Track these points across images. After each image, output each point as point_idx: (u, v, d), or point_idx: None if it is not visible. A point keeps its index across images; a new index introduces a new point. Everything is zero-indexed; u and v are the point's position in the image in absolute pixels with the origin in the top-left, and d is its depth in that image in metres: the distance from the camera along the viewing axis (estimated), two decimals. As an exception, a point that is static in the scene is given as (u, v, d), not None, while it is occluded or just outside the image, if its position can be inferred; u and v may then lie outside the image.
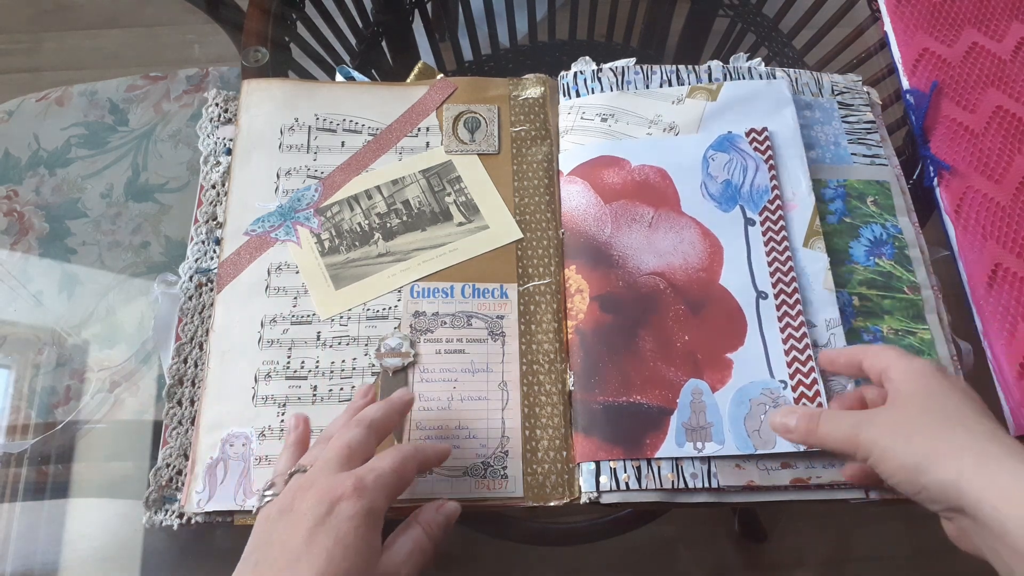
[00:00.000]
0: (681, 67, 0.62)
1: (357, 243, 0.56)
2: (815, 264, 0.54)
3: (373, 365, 0.52)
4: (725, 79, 0.61)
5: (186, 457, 0.49)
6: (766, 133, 0.57)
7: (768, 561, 0.98)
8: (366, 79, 0.64)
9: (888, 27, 0.69)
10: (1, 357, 0.68)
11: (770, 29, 0.90)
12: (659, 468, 0.48)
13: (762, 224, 0.55)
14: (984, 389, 0.54)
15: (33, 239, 0.73)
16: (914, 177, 0.63)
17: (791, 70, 0.63)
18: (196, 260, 0.56)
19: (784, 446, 0.47)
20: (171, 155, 0.77)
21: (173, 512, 0.48)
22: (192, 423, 0.50)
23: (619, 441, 0.48)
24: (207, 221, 0.57)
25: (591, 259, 0.54)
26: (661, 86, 0.61)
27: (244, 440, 0.49)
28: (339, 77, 0.64)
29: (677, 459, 0.48)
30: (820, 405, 0.48)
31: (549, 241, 0.56)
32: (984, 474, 0.36)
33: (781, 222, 0.54)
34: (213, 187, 0.58)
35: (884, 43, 0.70)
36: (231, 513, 0.48)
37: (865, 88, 0.63)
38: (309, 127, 0.60)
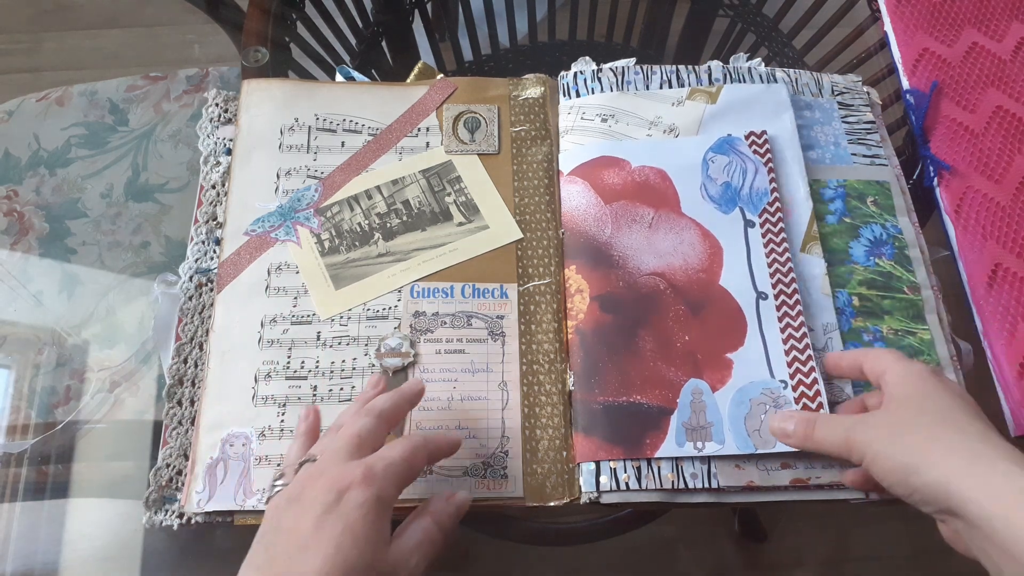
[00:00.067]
0: (681, 67, 0.62)
1: (357, 243, 0.56)
2: (812, 269, 0.54)
3: (373, 365, 0.52)
4: (725, 79, 0.61)
5: (186, 457, 0.49)
6: (765, 136, 0.57)
7: (768, 561, 0.99)
8: (366, 79, 0.64)
9: (888, 27, 0.69)
10: (1, 357, 0.68)
11: (770, 29, 0.90)
12: (659, 468, 0.48)
13: (761, 226, 0.55)
14: (984, 389, 0.54)
15: (33, 239, 0.73)
16: (914, 177, 0.63)
17: (791, 70, 0.63)
18: (196, 260, 0.56)
19: (784, 446, 0.47)
20: (171, 155, 0.77)
21: (173, 512, 0.48)
22: (192, 423, 0.50)
23: (619, 441, 0.48)
24: (207, 221, 0.57)
25: (591, 259, 0.54)
26: (661, 86, 0.61)
27: (244, 440, 0.49)
28: (339, 77, 0.64)
29: (677, 459, 0.48)
30: (820, 405, 0.48)
31: (549, 241, 0.56)
32: (974, 475, 0.36)
33: (780, 224, 0.54)
34: (213, 187, 0.58)
35: (884, 43, 0.70)
36: (231, 513, 0.48)
37: (865, 88, 0.63)
38: (309, 127, 0.60)
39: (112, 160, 0.77)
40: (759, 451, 0.47)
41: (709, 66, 0.62)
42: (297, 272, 0.55)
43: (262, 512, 0.47)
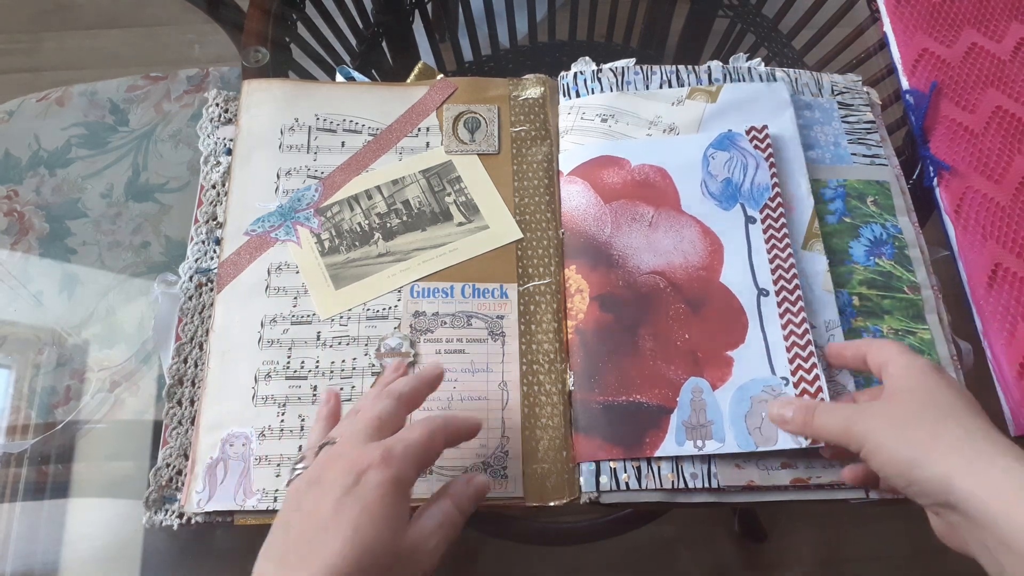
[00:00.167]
0: (681, 67, 0.62)
1: (357, 243, 0.56)
2: (814, 266, 0.54)
3: (373, 365, 0.52)
4: (725, 80, 0.61)
5: (186, 457, 0.49)
6: (766, 131, 0.57)
7: (768, 561, 0.99)
8: (366, 79, 0.64)
9: (888, 27, 0.69)
10: (1, 357, 0.68)
11: (770, 29, 0.90)
12: (659, 468, 0.48)
13: (763, 222, 0.54)
14: (984, 389, 0.54)
15: (33, 239, 0.73)
16: (914, 177, 0.63)
17: (791, 70, 0.63)
18: (196, 260, 0.56)
19: (785, 443, 0.47)
20: (171, 155, 0.77)
21: (173, 512, 0.48)
22: (192, 423, 0.50)
23: (619, 440, 0.48)
24: (207, 221, 0.57)
25: (591, 259, 0.54)
26: (661, 86, 0.61)
27: (244, 440, 0.49)
28: (339, 77, 0.64)
29: (677, 459, 0.48)
30: (822, 401, 0.48)
31: (549, 241, 0.56)
32: (975, 471, 0.36)
33: (782, 219, 0.54)
34: (213, 187, 0.58)
35: (884, 43, 0.70)
36: (231, 513, 0.48)
37: (865, 88, 0.63)
38: (309, 127, 0.60)
39: (112, 160, 0.77)
40: (760, 448, 0.47)
41: (709, 66, 0.62)
42: (297, 272, 0.55)
43: (262, 512, 0.47)
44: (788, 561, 0.99)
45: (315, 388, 0.51)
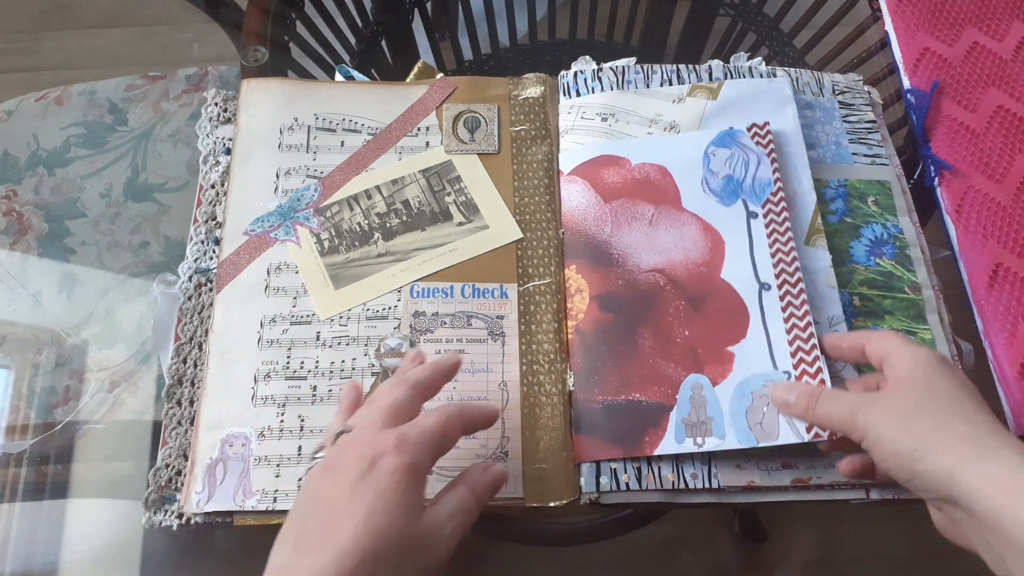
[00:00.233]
0: (681, 66, 0.62)
1: (357, 243, 0.56)
2: (817, 262, 0.53)
3: (373, 365, 0.52)
4: (726, 78, 0.61)
5: (185, 457, 0.49)
6: (768, 127, 0.57)
7: (769, 561, 0.98)
8: (366, 79, 0.63)
9: (889, 26, 0.69)
10: (1, 357, 0.68)
11: (771, 28, 0.90)
12: (659, 468, 0.48)
13: (765, 216, 0.54)
14: (984, 389, 0.54)
15: (32, 239, 0.73)
16: (915, 177, 0.63)
17: (792, 69, 0.62)
18: (195, 260, 0.55)
19: (786, 437, 0.46)
20: (170, 155, 0.77)
21: (172, 512, 0.48)
22: (191, 423, 0.50)
23: (618, 440, 0.48)
24: (206, 221, 0.57)
25: (591, 259, 0.54)
26: (661, 85, 0.61)
27: (244, 440, 0.49)
28: (339, 77, 0.64)
29: (677, 459, 0.48)
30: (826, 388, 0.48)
31: (549, 241, 0.56)
32: (980, 466, 0.36)
33: (784, 214, 0.54)
34: (212, 187, 0.58)
35: (885, 43, 0.70)
36: (230, 513, 0.48)
37: (866, 88, 0.63)
38: (309, 127, 0.60)
39: (111, 160, 0.77)
40: (761, 444, 0.47)
41: (710, 65, 0.62)
42: (297, 272, 0.54)
43: (262, 512, 0.47)
44: (789, 561, 0.99)
45: (315, 388, 0.51)
